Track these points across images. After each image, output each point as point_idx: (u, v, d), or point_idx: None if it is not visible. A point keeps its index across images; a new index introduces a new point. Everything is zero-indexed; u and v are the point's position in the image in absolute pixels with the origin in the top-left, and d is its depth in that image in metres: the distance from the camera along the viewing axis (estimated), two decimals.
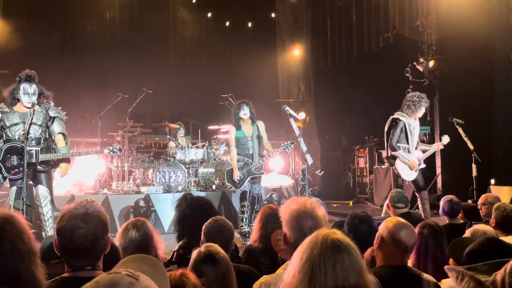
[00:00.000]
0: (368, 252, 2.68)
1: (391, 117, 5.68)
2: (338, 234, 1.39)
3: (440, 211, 3.93)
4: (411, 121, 5.61)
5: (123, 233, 2.55)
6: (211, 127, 8.82)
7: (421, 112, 5.67)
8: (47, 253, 2.27)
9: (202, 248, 2.02)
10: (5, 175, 4.64)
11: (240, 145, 5.73)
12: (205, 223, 2.59)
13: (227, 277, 1.95)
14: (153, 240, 2.57)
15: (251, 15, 11.03)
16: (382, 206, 5.79)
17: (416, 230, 2.54)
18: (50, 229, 4.68)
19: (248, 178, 5.67)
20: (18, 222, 1.39)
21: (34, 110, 4.57)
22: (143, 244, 2.49)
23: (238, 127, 5.72)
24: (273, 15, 11.42)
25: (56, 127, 4.87)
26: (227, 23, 11.04)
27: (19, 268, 1.32)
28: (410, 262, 2.53)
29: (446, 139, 5.84)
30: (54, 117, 4.85)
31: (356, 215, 3.19)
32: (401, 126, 5.55)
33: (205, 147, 7.90)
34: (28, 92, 4.67)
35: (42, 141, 4.74)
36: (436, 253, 2.51)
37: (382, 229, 2.20)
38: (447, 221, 3.89)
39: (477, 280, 1.38)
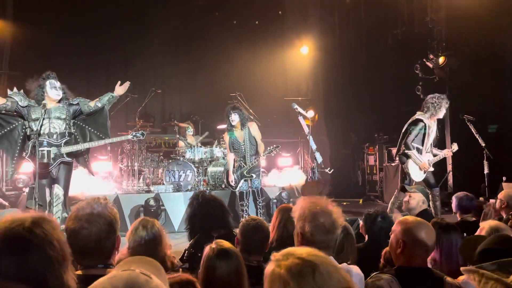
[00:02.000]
0: (385, 252, 2.66)
1: (415, 117, 5.66)
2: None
3: (455, 206, 3.88)
4: (431, 123, 5.62)
5: (132, 233, 2.56)
6: (220, 126, 8.83)
7: (441, 113, 5.67)
8: None
9: (213, 244, 2.03)
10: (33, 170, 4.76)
11: (234, 148, 6.13)
12: (242, 222, 2.59)
13: (240, 272, 1.97)
14: (162, 241, 2.58)
15: (259, 13, 11.00)
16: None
17: None
18: None
19: (242, 180, 6.07)
20: (49, 226, 1.32)
21: (46, 109, 4.67)
22: (151, 245, 2.49)
23: (231, 132, 6.10)
24: (280, 12, 11.39)
25: (84, 102, 5.04)
26: (235, 22, 11.04)
27: (47, 274, 1.25)
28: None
29: (455, 146, 5.86)
30: (77, 102, 5.03)
31: (373, 213, 3.18)
32: (421, 126, 5.59)
33: (214, 146, 7.91)
34: (55, 86, 4.86)
35: (66, 135, 4.88)
36: (451, 251, 2.49)
37: (399, 230, 2.13)
38: (459, 218, 3.85)
39: (504, 283, 1.32)
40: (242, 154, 6.05)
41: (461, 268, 1.52)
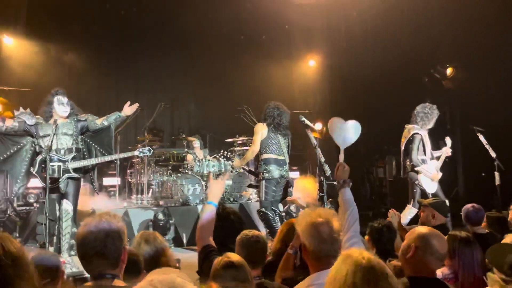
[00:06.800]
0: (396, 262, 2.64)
1: (411, 133, 5.70)
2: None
3: (464, 219, 3.84)
4: (425, 132, 5.77)
5: (135, 248, 2.58)
6: (228, 140, 8.85)
7: (432, 123, 5.82)
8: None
9: (222, 257, 2.04)
10: (43, 185, 4.81)
11: None
12: (238, 236, 2.59)
13: (247, 284, 1.96)
14: (165, 253, 2.58)
15: (266, 28, 11.11)
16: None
17: (448, 241, 2.49)
18: (65, 243, 4.78)
19: None
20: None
21: (56, 125, 4.74)
22: (155, 258, 2.49)
23: None
24: (287, 27, 11.48)
25: (92, 119, 5.11)
26: (242, 37, 11.14)
27: None
28: (440, 272, 2.47)
29: (448, 140, 5.99)
30: (85, 119, 5.09)
31: (378, 225, 3.16)
32: (419, 139, 5.71)
33: (222, 159, 7.93)
34: (63, 102, 4.94)
35: (74, 150, 4.92)
36: (472, 265, 2.46)
37: (412, 236, 2.15)
38: (470, 231, 3.79)
39: None
40: None
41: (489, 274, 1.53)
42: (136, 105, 5.23)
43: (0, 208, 6.90)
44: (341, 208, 2.46)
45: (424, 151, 5.74)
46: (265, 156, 5.49)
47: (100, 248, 1.67)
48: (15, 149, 4.93)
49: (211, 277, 1.97)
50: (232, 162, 7.71)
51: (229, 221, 3.06)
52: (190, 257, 5.36)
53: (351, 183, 2.57)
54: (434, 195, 5.67)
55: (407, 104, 9.12)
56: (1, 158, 4.87)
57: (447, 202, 5.68)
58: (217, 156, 7.96)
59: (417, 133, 5.70)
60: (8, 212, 6.87)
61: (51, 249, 4.64)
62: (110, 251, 1.68)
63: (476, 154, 6.64)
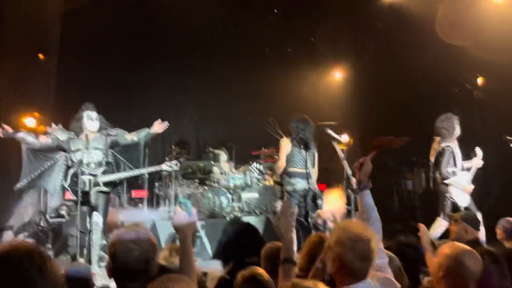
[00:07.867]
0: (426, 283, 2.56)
1: (441, 146, 5.62)
2: None
3: (503, 233, 3.70)
4: (455, 143, 5.69)
5: (165, 260, 2.61)
6: (254, 153, 8.88)
7: (458, 130, 5.71)
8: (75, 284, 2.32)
9: (245, 271, 2.03)
10: (74, 198, 4.96)
11: None
12: (263, 250, 2.58)
13: None
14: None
15: (291, 41, 11.16)
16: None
17: None
18: (95, 255, 4.87)
19: None
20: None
21: (88, 140, 4.88)
22: None
23: None
24: (312, 39, 11.50)
25: (122, 134, 5.23)
26: (267, 50, 11.21)
27: None
28: None
29: (479, 151, 5.84)
30: (115, 133, 5.21)
31: (403, 241, 3.08)
32: (450, 151, 5.63)
33: (248, 172, 7.95)
34: (91, 118, 5.07)
35: (104, 164, 5.03)
36: (500, 283, 2.36)
37: (444, 253, 2.09)
38: (506, 245, 3.65)
39: None
40: None
41: None
42: (165, 124, 5.32)
43: (34, 221, 7.11)
44: (360, 214, 2.31)
45: (455, 162, 5.65)
46: (289, 169, 5.59)
47: (143, 265, 1.69)
48: (49, 164, 5.09)
49: None
50: (264, 174, 7.82)
51: (244, 234, 3.06)
52: (216, 270, 5.37)
53: (371, 185, 2.35)
54: (466, 208, 5.52)
55: (436, 115, 8.93)
56: (36, 173, 5.03)
57: (479, 215, 5.54)
58: (249, 168, 7.99)
59: (448, 146, 5.61)
60: (41, 224, 7.08)
61: (82, 260, 4.74)
62: (151, 267, 1.70)
63: (509, 165, 6.43)
